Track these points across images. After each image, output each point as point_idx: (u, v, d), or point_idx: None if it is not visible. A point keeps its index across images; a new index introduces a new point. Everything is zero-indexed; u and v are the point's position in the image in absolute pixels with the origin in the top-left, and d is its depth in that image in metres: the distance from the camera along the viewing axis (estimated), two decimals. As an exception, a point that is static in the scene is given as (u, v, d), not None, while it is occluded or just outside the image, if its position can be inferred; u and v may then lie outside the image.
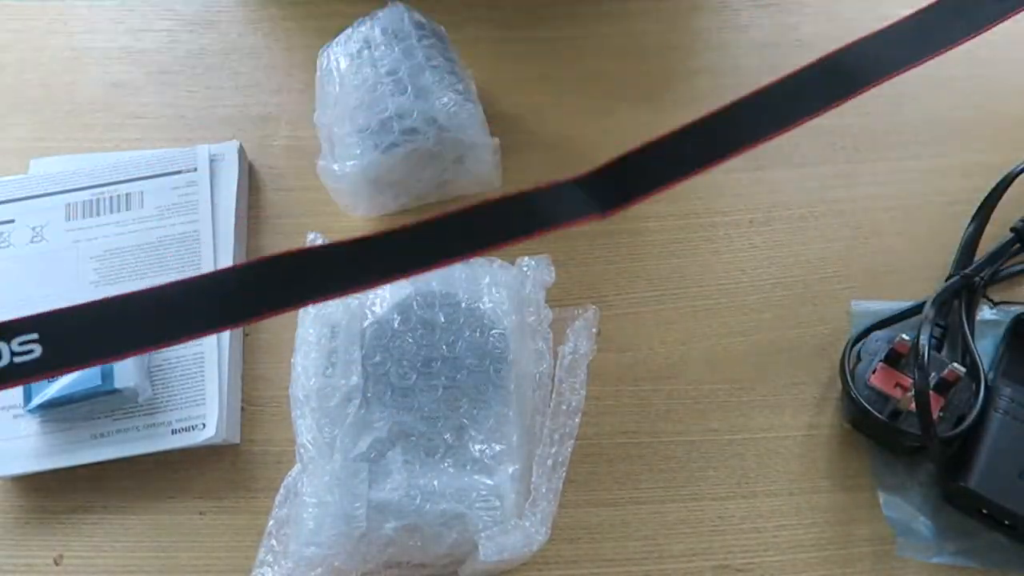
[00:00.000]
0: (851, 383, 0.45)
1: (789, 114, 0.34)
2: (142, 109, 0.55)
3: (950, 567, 0.43)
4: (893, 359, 0.45)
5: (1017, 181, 0.50)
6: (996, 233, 0.49)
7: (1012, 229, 0.49)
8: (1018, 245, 0.49)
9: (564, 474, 0.43)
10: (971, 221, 0.50)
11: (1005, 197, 0.50)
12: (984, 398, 0.43)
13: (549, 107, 0.55)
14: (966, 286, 0.47)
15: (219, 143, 0.52)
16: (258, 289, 0.31)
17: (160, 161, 0.51)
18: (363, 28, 0.50)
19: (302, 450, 0.43)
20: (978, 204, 0.50)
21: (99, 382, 0.44)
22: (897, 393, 0.44)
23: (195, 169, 0.51)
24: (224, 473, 0.46)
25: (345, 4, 0.57)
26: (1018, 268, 0.49)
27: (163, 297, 0.31)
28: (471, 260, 0.46)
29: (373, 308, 0.44)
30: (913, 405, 0.42)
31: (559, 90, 0.55)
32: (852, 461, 0.46)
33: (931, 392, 0.42)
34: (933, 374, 0.43)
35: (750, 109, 0.34)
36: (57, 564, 0.44)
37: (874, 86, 0.34)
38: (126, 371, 0.44)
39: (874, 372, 0.45)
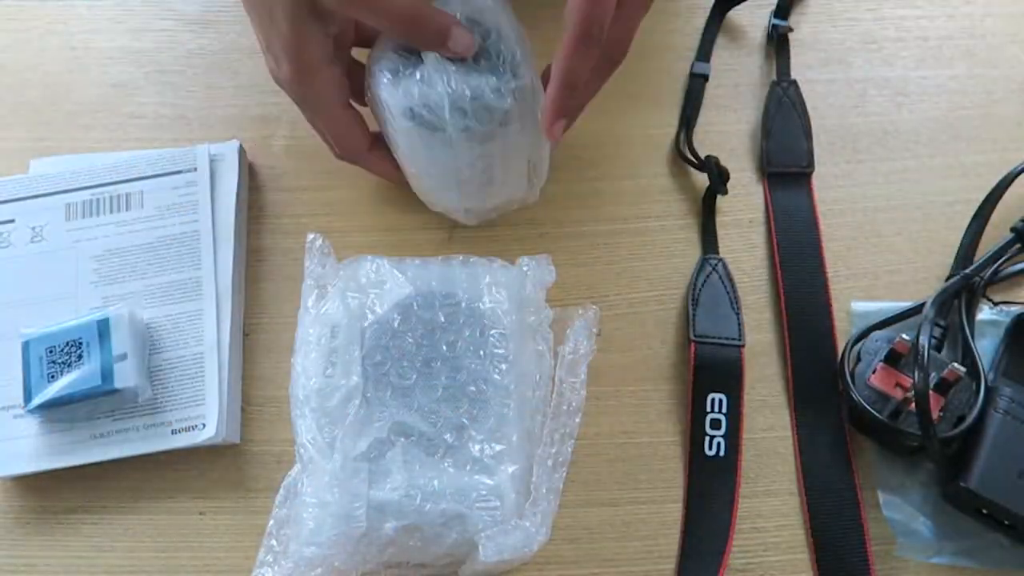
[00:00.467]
0: (851, 383, 0.45)
1: None
2: (142, 109, 0.55)
3: (950, 567, 0.43)
4: (893, 359, 0.45)
5: (1017, 181, 0.50)
6: (996, 233, 0.49)
7: (1012, 229, 0.49)
8: (1018, 245, 0.49)
9: (564, 474, 0.43)
10: (971, 221, 0.50)
11: (1005, 197, 0.50)
12: (984, 398, 0.43)
13: (549, 107, 0.55)
14: (966, 286, 0.47)
15: (219, 143, 0.52)
16: None
17: (160, 161, 0.51)
18: None
19: (302, 450, 0.43)
20: (978, 204, 0.50)
21: (99, 382, 0.44)
22: (897, 393, 0.44)
23: (195, 169, 0.51)
24: (224, 473, 0.46)
25: (345, 4, 0.57)
26: (1018, 268, 0.49)
27: None
28: (471, 260, 0.46)
29: (373, 308, 0.44)
30: (913, 405, 0.42)
31: (559, 90, 0.55)
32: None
33: (931, 392, 0.42)
34: (933, 374, 0.43)
35: None
36: None
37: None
38: (126, 371, 0.44)
39: (874, 372, 0.45)
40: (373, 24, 0.43)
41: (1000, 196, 0.50)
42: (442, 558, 0.41)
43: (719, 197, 0.52)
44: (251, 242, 0.51)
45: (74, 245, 0.49)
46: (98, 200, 0.50)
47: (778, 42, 0.56)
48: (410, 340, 0.44)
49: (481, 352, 0.44)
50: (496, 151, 0.44)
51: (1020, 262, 0.49)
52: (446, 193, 0.48)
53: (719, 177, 0.51)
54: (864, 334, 0.46)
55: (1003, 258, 0.48)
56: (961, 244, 0.49)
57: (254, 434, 0.47)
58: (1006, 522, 0.42)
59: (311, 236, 0.47)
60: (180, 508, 0.45)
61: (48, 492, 0.46)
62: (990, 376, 0.46)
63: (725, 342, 0.48)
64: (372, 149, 0.48)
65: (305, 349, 0.44)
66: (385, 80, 0.43)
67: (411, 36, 0.42)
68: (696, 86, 0.55)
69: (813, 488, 0.45)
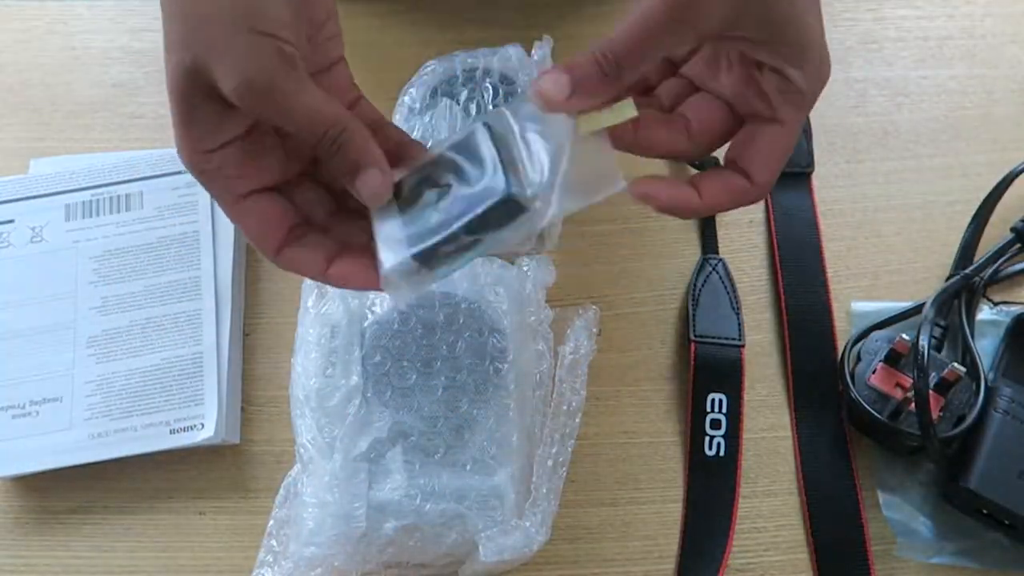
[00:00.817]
0: (851, 383, 0.45)
1: None
2: (142, 109, 0.55)
3: (950, 567, 0.43)
4: (893, 359, 0.45)
5: (1017, 181, 0.50)
6: (996, 233, 0.49)
7: (1012, 229, 0.49)
8: (1018, 245, 0.49)
9: (564, 474, 0.43)
10: (971, 221, 0.50)
11: (1005, 197, 0.50)
12: (984, 398, 0.43)
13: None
14: (966, 286, 0.47)
15: (219, 143, 0.52)
16: None
17: (160, 161, 0.51)
18: None
19: (302, 450, 0.43)
20: (978, 204, 0.50)
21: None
22: (897, 393, 0.44)
23: (195, 169, 0.51)
24: (224, 473, 0.46)
25: (344, 4, 0.57)
26: (1018, 268, 0.49)
27: None
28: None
29: (373, 308, 0.44)
30: (913, 405, 0.42)
31: (559, 90, 0.55)
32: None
33: (931, 392, 0.42)
34: (933, 374, 0.43)
35: None
36: None
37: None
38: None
39: (874, 372, 0.45)
40: (284, 127, 0.33)
41: (1000, 196, 0.50)
42: (442, 558, 0.41)
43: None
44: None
45: (74, 245, 0.49)
46: (98, 200, 0.50)
47: (778, 42, 0.56)
48: (410, 340, 0.44)
49: (481, 352, 0.44)
50: None
51: (1020, 262, 0.49)
52: None
53: None
54: (864, 334, 0.46)
55: (1003, 258, 0.48)
56: (961, 244, 0.49)
57: (254, 434, 0.47)
58: (1006, 522, 0.42)
59: (311, 236, 0.47)
60: (180, 508, 0.45)
61: (48, 492, 0.46)
62: (990, 376, 0.46)
63: (725, 342, 0.48)
64: (288, 247, 0.35)
65: (305, 349, 0.44)
66: (400, 113, 0.45)
67: (321, 152, 0.33)
68: (696, 86, 0.55)
69: (813, 488, 0.45)
